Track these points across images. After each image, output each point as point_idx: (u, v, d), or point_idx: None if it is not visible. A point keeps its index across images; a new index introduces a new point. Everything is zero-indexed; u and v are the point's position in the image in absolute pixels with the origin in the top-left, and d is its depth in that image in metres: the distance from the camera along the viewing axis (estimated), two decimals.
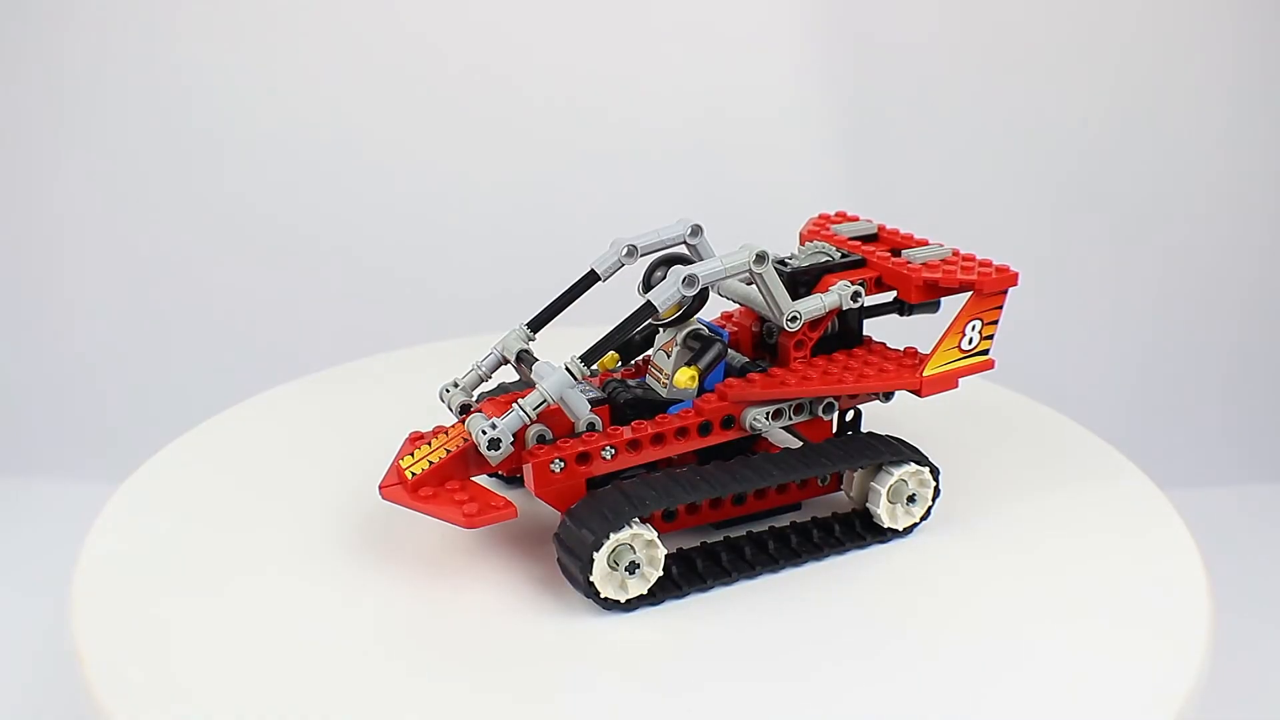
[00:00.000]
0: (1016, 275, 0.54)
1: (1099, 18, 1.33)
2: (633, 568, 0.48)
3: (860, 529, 0.56)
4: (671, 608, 0.50)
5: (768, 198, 1.37)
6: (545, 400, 0.48)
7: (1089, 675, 0.46)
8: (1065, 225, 1.40)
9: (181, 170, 1.34)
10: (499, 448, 0.48)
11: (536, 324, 0.55)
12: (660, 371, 0.55)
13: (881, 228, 0.64)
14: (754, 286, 0.53)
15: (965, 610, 0.51)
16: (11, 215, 1.33)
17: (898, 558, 0.55)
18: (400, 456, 0.53)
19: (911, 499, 0.55)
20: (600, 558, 0.47)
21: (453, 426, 0.53)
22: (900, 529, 0.56)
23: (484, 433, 0.48)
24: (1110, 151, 1.38)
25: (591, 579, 0.48)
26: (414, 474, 0.50)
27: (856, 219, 0.65)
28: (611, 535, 0.47)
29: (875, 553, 0.56)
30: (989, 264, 0.56)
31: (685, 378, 0.53)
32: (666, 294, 0.50)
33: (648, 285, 0.54)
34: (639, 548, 0.48)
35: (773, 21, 1.34)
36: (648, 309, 0.50)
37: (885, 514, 0.55)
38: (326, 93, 1.34)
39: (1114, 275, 1.41)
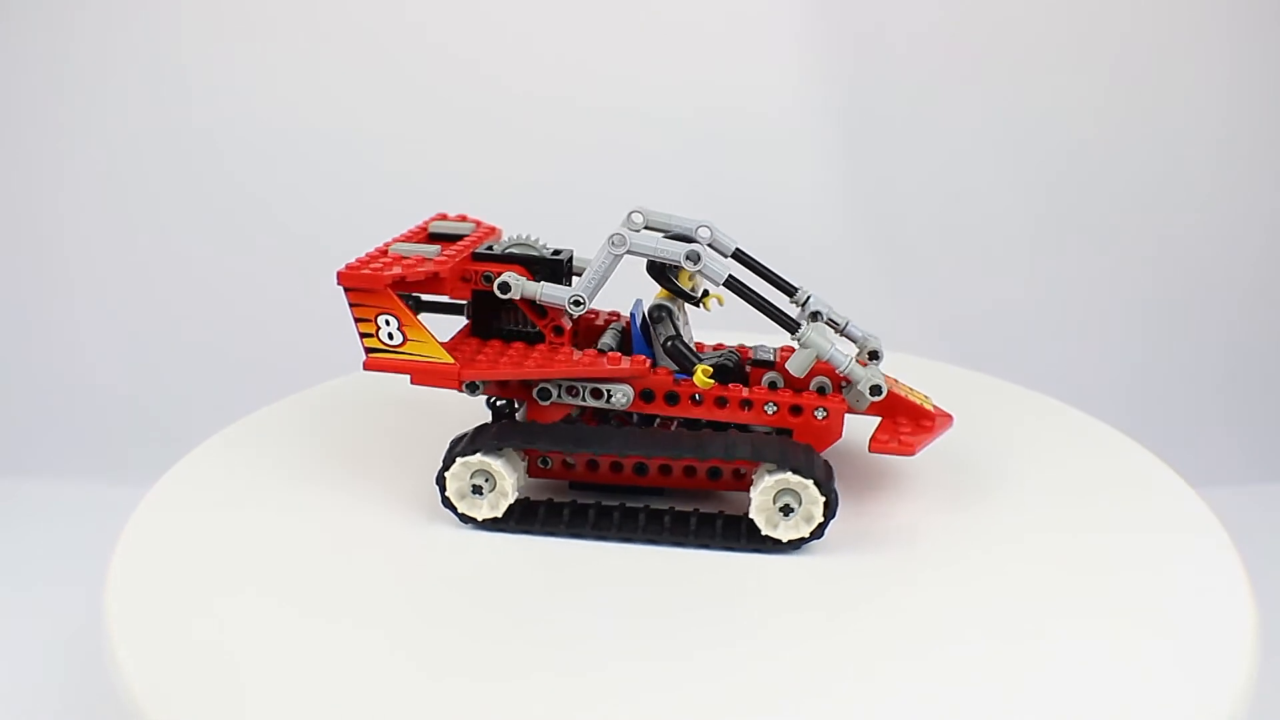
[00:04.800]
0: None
1: (1097, 16, 1.34)
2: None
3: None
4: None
5: (767, 193, 1.38)
6: None
7: (1129, 680, 0.46)
8: (1064, 221, 1.41)
9: (194, 172, 1.34)
10: None
11: (793, 327, 0.57)
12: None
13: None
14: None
15: (997, 614, 0.51)
16: (18, 216, 1.34)
17: (926, 558, 0.55)
18: (923, 421, 0.59)
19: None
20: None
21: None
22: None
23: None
24: (1109, 149, 1.38)
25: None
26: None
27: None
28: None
29: (897, 550, 0.56)
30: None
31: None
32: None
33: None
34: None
35: (773, 19, 1.35)
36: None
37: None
38: (337, 97, 1.35)
39: (1112, 271, 1.41)
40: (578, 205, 1.35)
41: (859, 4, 1.35)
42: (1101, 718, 0.43)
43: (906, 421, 0.58)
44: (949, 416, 0.59)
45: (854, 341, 0.60)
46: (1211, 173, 1.38)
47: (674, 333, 0.57)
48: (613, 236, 0.56)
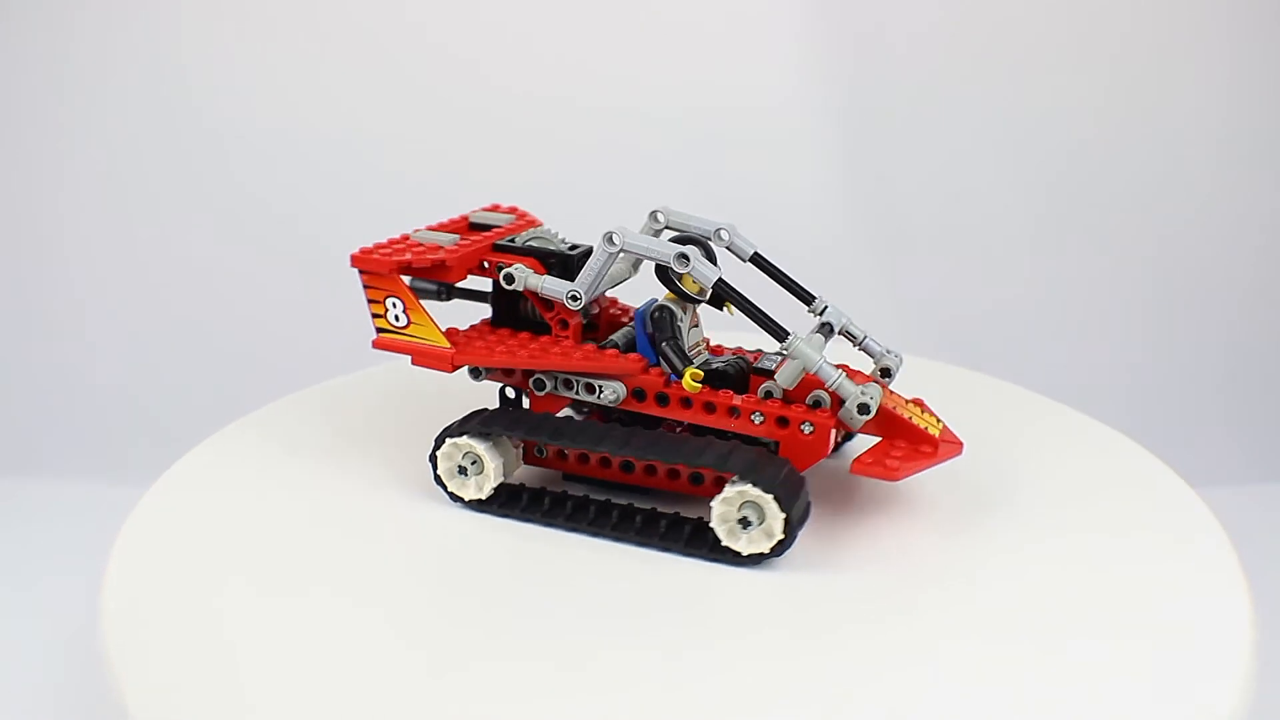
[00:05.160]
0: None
1: (1097, 16, 1.34)
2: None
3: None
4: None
5: (767, 193, 1.38)
6: None
7: (1128, 681, 0.46)
8: (1064, 221, 1.41)
9: (194, 171, 1.34)
10: None
11: (784, 335, 0.54)
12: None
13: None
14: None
15: (996, 615, 0.51)
16: (19, 216, 1.34)
17: (921, 559, 0.55)
18: (922, 448, 0.55)
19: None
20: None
21: (887, 400, 0.56)
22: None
23: None
24: (1109, 149, 1.38)
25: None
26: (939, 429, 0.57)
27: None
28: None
29: (893, 546, 0.56)
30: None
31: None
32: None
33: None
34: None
35: (773, 19, 1.35)
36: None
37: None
38: (337, 97, 1.35)
39: (1111, 271, 1.41)
40: (578, 204, 1.35)
41: (859, 4, 1.35)
42: (1101, 718, 0.43)
43: (904, 445, 0.55)
44: (957, 445, 0.57)
45: (871, 356, 0.59)
46: (1211, 173, 1.38)
47: (670, 335, 0.57)
48: (607, 234, 0.56)
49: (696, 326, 0.60)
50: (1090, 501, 0.62)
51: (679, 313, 0.58)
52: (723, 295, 0.55)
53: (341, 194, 1.36)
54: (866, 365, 0.60)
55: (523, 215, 0.66)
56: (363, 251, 0.58)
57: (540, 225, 0.65)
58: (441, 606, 0.51)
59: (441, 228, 0.63)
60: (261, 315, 1.36)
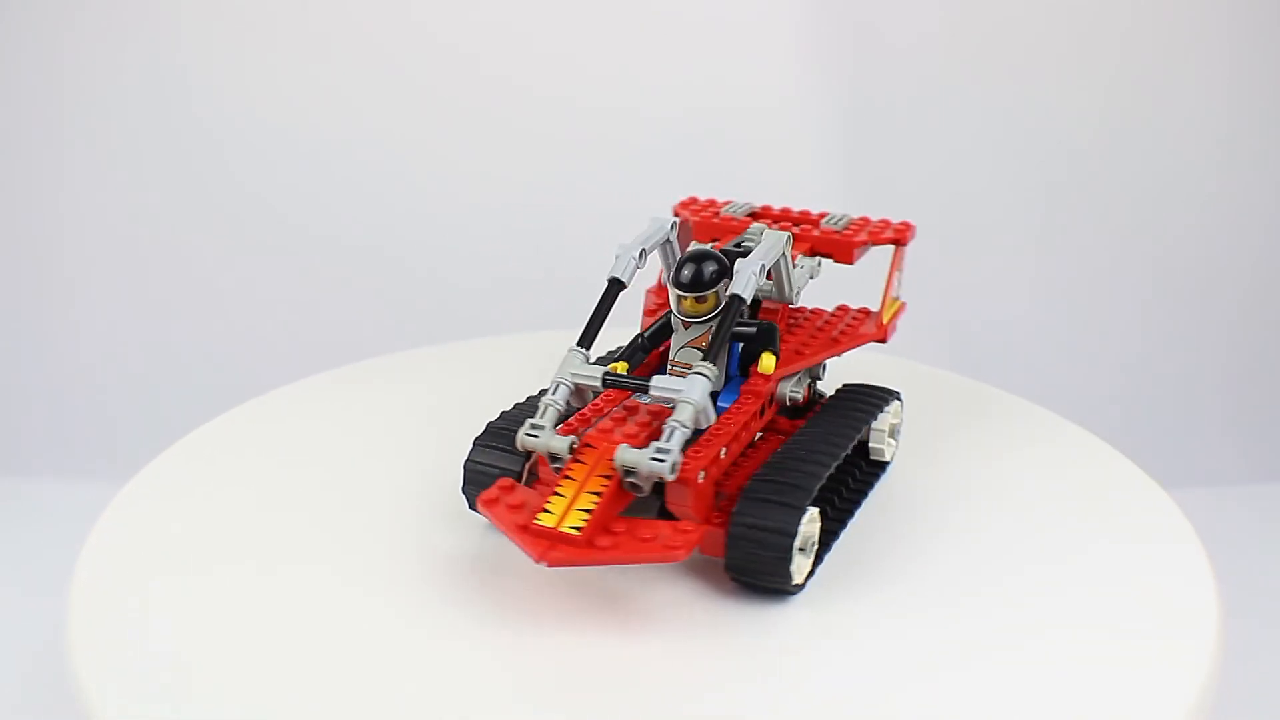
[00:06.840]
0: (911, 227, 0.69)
1: (1097, 15, 1.33)
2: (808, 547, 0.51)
3: (865, 468, 0.62)
4: None
5: (767, 194, 1.37)
6: (696, 410, 0.47)
7: (1095, 682, 0.46)
8: (1066, 222, 1.40)
9: (187, 168, 1.35)
10: (678, 470, 0.46)
11: (585, 343, 0.52)
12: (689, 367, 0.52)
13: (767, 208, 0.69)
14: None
15: (965, 617, 0.51)
16: (14, 214, 1.34)
17: (895, 559, 0.55)
18: (517, 516, 0.46)
19: (896, 432, 0.64)
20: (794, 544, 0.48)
21: (579, 466, 0.47)
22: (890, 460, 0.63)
23: (660, 460, 0.45)
24: (1107, 148, 1.38)
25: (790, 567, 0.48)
26: (577, 528, 0.45)
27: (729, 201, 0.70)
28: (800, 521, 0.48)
29: (865, 555, 0.55)
30: (888, 223, 0.69)
31: (769, 363, 0.55)
32: (753, 286, 0.52)
33: (696, 282, 0.52)
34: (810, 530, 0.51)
35: (772, 14, 1.35)
36: (736, 302, 0.51)
37: (887, 450, 0.63)
38: (334, 92, 1.35)
39: (1110, 272, 1.41)
40: (577, 203, 1.36)
41: (860, 4, 1.34)
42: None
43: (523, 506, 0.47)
44: (545, 546, 0.44)
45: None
46: (1213, 174, 1.37)
47: (648, 332, 0.58)
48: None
49: (721, 354, 0.53)
50: (1062, 508, 0.62)
51: (673, 322, 0.55)
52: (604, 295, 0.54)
53: (337, 194, 1.37)
54: None
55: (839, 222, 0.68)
56: (683, 203, 0.68)
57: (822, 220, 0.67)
58: (430, 611, 0.51)
59: (775, 212, 0.68)
60: (250, 314, 1.36)
